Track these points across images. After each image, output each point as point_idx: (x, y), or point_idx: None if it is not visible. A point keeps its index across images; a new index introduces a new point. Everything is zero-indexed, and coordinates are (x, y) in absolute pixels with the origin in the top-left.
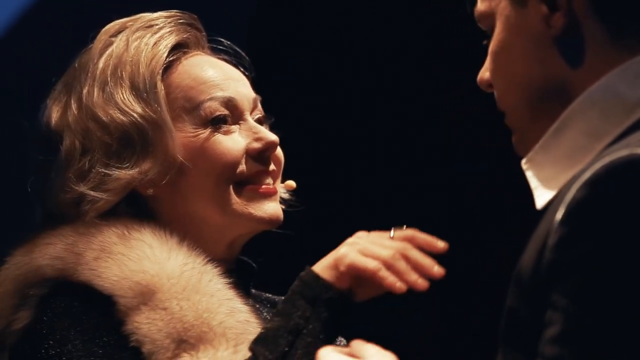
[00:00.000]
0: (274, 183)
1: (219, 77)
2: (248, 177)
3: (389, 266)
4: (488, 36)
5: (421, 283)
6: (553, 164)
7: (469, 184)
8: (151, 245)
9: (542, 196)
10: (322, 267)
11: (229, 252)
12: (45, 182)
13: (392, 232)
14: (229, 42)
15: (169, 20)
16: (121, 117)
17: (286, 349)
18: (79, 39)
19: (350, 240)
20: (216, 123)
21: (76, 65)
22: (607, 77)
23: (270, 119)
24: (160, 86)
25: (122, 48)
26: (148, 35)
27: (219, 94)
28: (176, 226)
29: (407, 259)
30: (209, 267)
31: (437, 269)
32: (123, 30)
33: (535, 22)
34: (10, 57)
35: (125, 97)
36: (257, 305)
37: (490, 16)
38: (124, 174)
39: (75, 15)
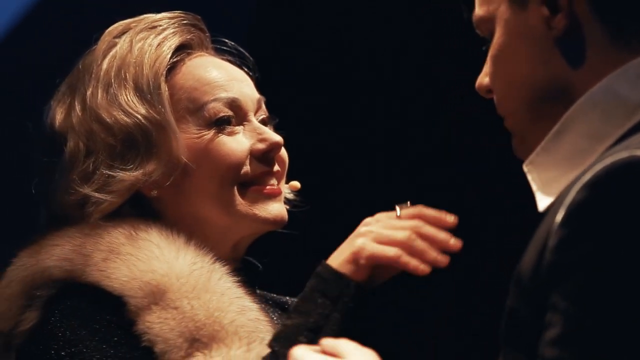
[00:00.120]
0: (278, 184)
1: (223, 78)
2: (252, 178)
3: (408, 248)
4: (487, 42)
5: (442, 259)
6: (554, 166)
7: (469, 184)
8: (159, 246)
9: (543, 199)
10: (341, 262)
11: (234, 253)
12: (49, 183)
13: (397, 210)
14: (232, 43)
15: (172, 21)
16: (125, 118)
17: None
18: (83, 39)
19: (362, 229)
20: (220, 124)
21: (80, 66)
22: (608, 79)
23: (275, 119)
24: (164, 87)
25: (125, 49)
26: (152, 37)
27: (223, 94)
28: (181, 227)
29: (422, 236)
30: (218, 265)
31: (453, 242)
32: (127, 32)
33: (536, 25)
34: (14, 57)
35: (129, 98)
36: (263, 305)
37: (489, 21)
38: (128, 175)
39: (78, 15)
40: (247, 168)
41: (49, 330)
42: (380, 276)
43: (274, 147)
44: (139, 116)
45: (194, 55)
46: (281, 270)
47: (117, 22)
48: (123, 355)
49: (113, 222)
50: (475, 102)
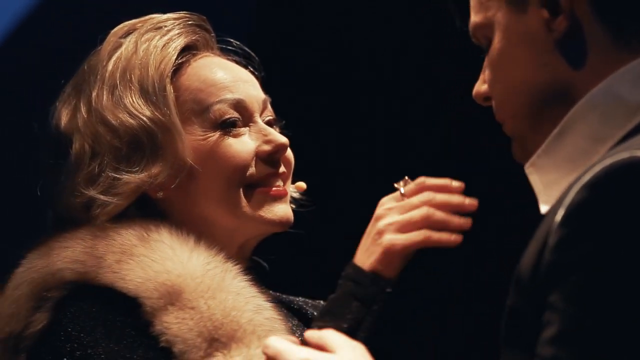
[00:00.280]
0: (284, 185)
1: (228, 79)
2: (258, 180)
3: (432, 224)
4: (484, 50)
5: (465, 222)
6: (556, 168)
7: (469, 184)
8: (172, 246)
9: (546, 200)
10: (372, 263)
11: (241, 253)
12: (54, 185)
13: (401, 189)
14: (238, 43)
15: (178, 22)
16: (130, 120)
17: None
18: (83, 39)
19: (380, 224)
20: (226, 126)
21: (85, 67)
22: (608, 80)
23: (281, 120)
24: (169, 89)
25: (131, 50)
26: (157, 38)
27: (229, 96)
28: (188, 227)
29: (437, 207)
30: (231, 265)
31: (469, 202)
32: (132, 32)
33: (536, 28)
34: (14, 57)
35: (134, 100)
36: (275, 304)
37: (486, 27)
38: (134, 177)
39: (82, 15)
40: (252, 170)
41: (62, 331)
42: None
43: (279, 149)
44: (145, 118)
45: (200, 56)
46: (283, 269)
47: (118, 22)
48: (139, 356)
49: (123, 223)
50: (475, 102)
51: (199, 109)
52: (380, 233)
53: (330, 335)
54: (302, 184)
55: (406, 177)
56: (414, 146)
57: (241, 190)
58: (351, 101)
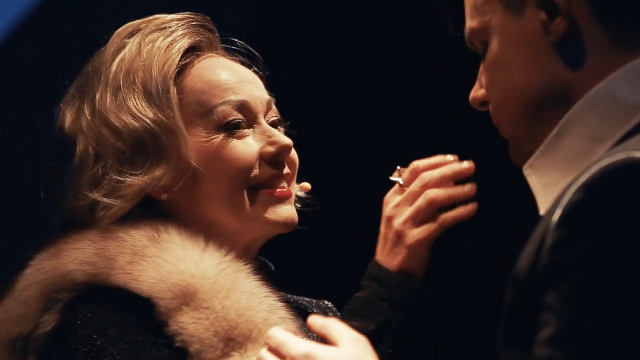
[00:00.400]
0: (288, 186)
1: (232, 80)
2: (262, 182)
3: (440, 203)
4: (480, 55)
5: (470, 189)
6: (554, 169)
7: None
8: (183, 247)
9: (545, 202)
10: (400, 263)
11: (247, 254)
12: (58, 187)
13: (399, 180)
14: (242, 42)
15: (181, 22)
16: (134, 122)
17: None
18: (88, 39)
19: (396, 223)
20: (229, 128)
21: (89, 68)
22: (606, 81)
23: (286, 121)
24: (172, 91)
25: (134, 52)
26: (160, 39)
27: (232, 97)
28: (193, 228)
29: (438, 185)
30: (242, 265)
31: (466, 164)
32: (136, 33)
33: (534, 30)
34: (14, 57)
35: (137, 102)
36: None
37: (483, 31)
38: (137, 180)
39: (82, 15)
40: (256, 171)
41: (74, 333)
42: None
43: (283, 150)
44: (148, 120)
45: (203, 56)
46: (290, 269)
47: (117, 21)
48: (153, 356)
49: (131, 224)
50: None
51: (202, 111)
52: (399, 233)
53: (333, 326)
54: (307, 185)
55: (398, 167)
56: (413, 146)
57: (245, 192)
58: (351, 101)
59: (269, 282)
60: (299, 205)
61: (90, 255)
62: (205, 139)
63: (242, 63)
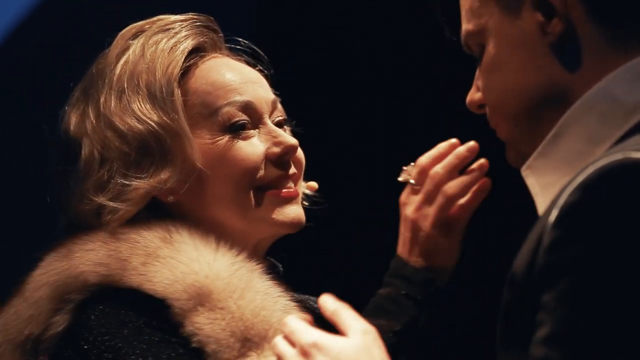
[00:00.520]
0: (295, 185)
1: (237, 81)
2: (269, 183)
3: (457, 196)
4: (477, 58)
5: (480, 167)
6: (553, 171)
7: None
8: (196, 247)
9: (543, 203)
10: (422, 260)
11: (255, 254)
12: (64, 190)
13: (410, 180)
14: (246, 42)
15: (185, 23)
16: (138, 126)
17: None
18: (87, 39)
19: (425, 225)
20: (235, 129)
21: (93, 71)
22: (604, 81)
23: (292, 121)
24: (177, 93)
25: (138, 54)
26: (164, 40)
27: (237, 98)
28: (202, 229)
29: (448, 176)
30: (254, 265)
31: (471, 144)
32: (139, 34)
33: (531, 31)
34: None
35: (142, 105)
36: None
37: (479, 34)
38: (143, 183)
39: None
40: (262, 172)
41: (88, 334)
42: None
43: (289, 151)
44: (153, 123)
45: (208, 57)
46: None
47: (118, 21)
48: (169, 355)
49: (142, 225)
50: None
51: (207, 112)
52: (429, 235)
53: (343, 314)
54: (314, 184)
55: (404, 167)
56: (413, 146)
57: (251, 193)
58: (351, 101)
59: (280, 282)
60: (306, 204)
61: (102, 257)
62: (210, 141)
63: (247, 63)
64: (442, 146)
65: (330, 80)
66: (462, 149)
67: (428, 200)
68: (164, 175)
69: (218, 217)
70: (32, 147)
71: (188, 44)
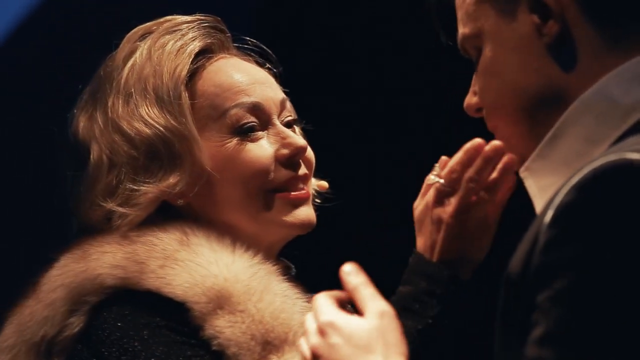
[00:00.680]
0: (305, 186)
1: (244, 82)
2: (279, 185)
3: (482, 185)
4: (473, 62)
5: (506, 164)
6: (551, 172)
7: None
8: (213, 250)
9: (541, 204)
10: (443, 256)
11: (267, 256)
12: (74, 195)
13: (439, 180)
14: (254, 41)
15: (192, 25)
16: (146, 130)
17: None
18: (88, 39)
19: (448, 219)
20: (243, 131)
21: (101, 73)
22: (600, 82)
23: (302, 121)
24: (184, 96)
25: (145, 57)
26: (171, 43)
27: (245, 99)
28: (216, 231)
29: (481, 172)
30: (271, 267)
31: (490, 147)
32: (146, 36)
33: (527, 33)
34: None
35: (149, 109)
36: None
37: (476, 37)
38: (152, 188)
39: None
40: (272, 175)
41: (105, 336)
42: None
43: (298, 152)
44: (160, 127)
45: (215, 58)
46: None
47: (118, 21)
48: (187, 357)
49: (158, 226)
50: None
51: (215, 115)
52: (456, 229)
53: (363, 292)
54: (324, 183)
55: (435, 165)
56: (413, 146)
57: (261, 195)
58: (351, 101)
59: (295, 284)
60: (318, 201)
61: (120, 260)
62: (219, 143)
63: (255, 62)
64: (468, 147)
65: (330, 80)
66: (489, 149)
67: (465, 209)
68: (172, 179)
69: (229, 220)
70: (32, 147)
71: (195, 46)
